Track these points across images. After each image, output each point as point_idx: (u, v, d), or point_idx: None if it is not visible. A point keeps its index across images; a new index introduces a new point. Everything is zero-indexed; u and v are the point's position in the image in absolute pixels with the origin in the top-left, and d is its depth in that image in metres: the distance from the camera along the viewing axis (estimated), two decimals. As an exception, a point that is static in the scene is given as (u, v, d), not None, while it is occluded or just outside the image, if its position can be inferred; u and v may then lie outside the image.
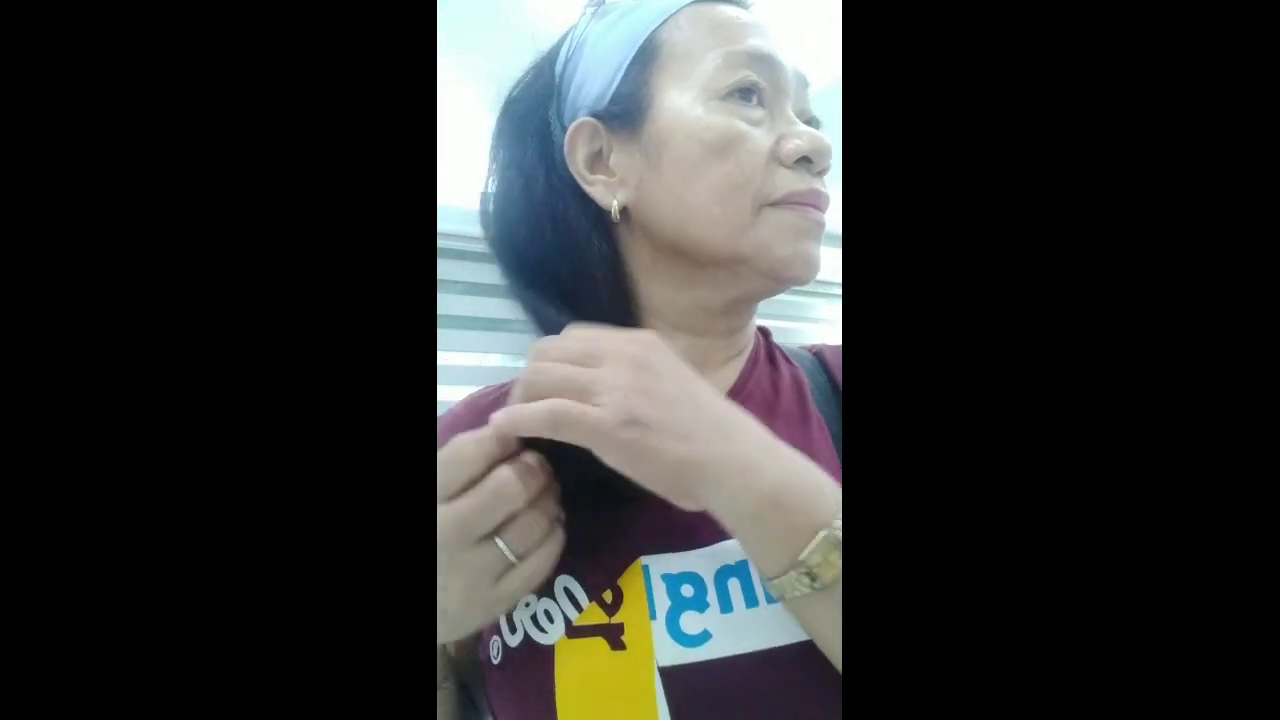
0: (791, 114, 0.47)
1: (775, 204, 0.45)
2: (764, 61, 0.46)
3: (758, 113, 0.46)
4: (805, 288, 0.48)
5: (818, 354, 0.55)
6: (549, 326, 0.52)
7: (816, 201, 0.46)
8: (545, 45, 0.53)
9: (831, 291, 1.84)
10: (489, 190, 0.53)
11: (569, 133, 0.48)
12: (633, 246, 0.50)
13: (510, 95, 0.52)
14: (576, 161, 0.48)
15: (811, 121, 0.49)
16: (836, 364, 0.53)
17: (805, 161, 0.46)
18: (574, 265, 0.50)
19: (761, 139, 0.45)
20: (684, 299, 0.49)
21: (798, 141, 0.45)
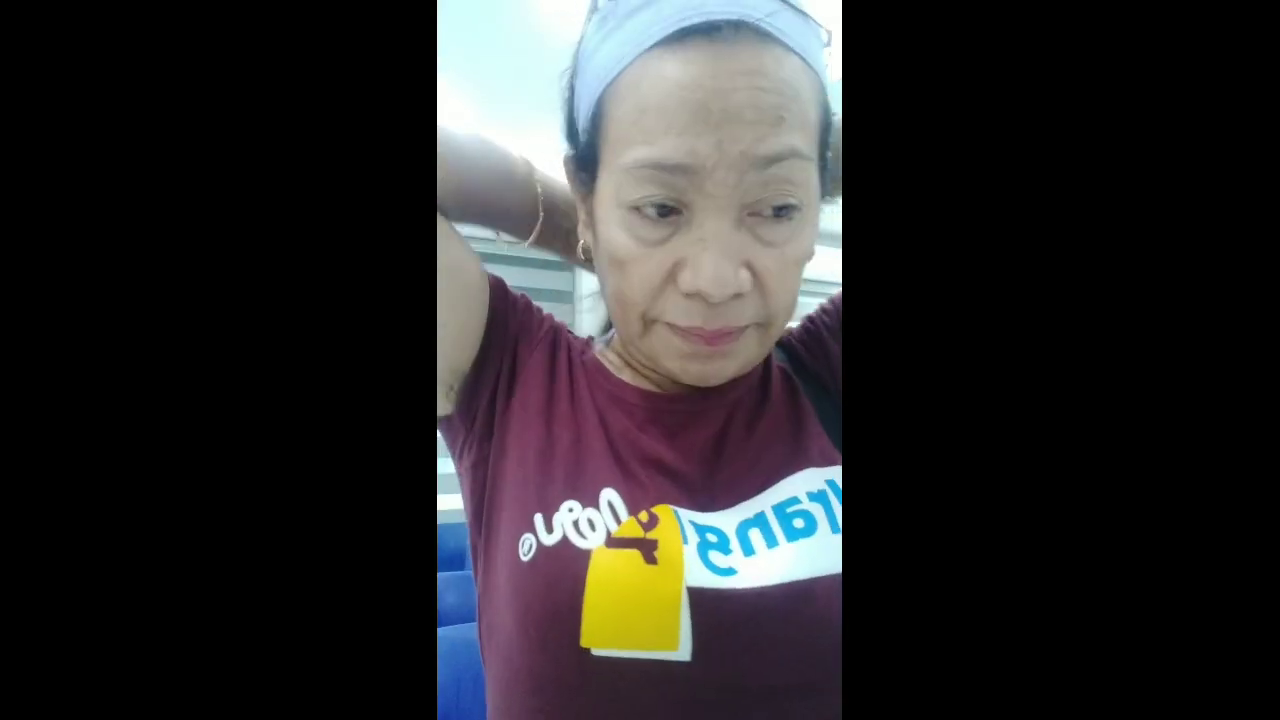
0: (717, 222, 0.39)
1: (668, 324, 0.43)
2: (679, 171, 0.38)
3: (665, 229, 0.40)
4: (803, 288, 0.47)
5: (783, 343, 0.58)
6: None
7: (704, 334, 0.42)
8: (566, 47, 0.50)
9: (830, 292, 1.84)
10: None
11: (561, 160, 0.49)
12: None
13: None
14: (571, 186, 0.49)
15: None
16: (800, 339, 0.57)
17: (699, 294, 0.40)
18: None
19: (658, 265, 0.41)
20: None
21: (688, 277, 0.40)
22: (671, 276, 0.41)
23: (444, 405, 0.51)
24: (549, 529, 0.44)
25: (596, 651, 0.40)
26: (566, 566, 0.42)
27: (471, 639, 1.45)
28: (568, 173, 0.48)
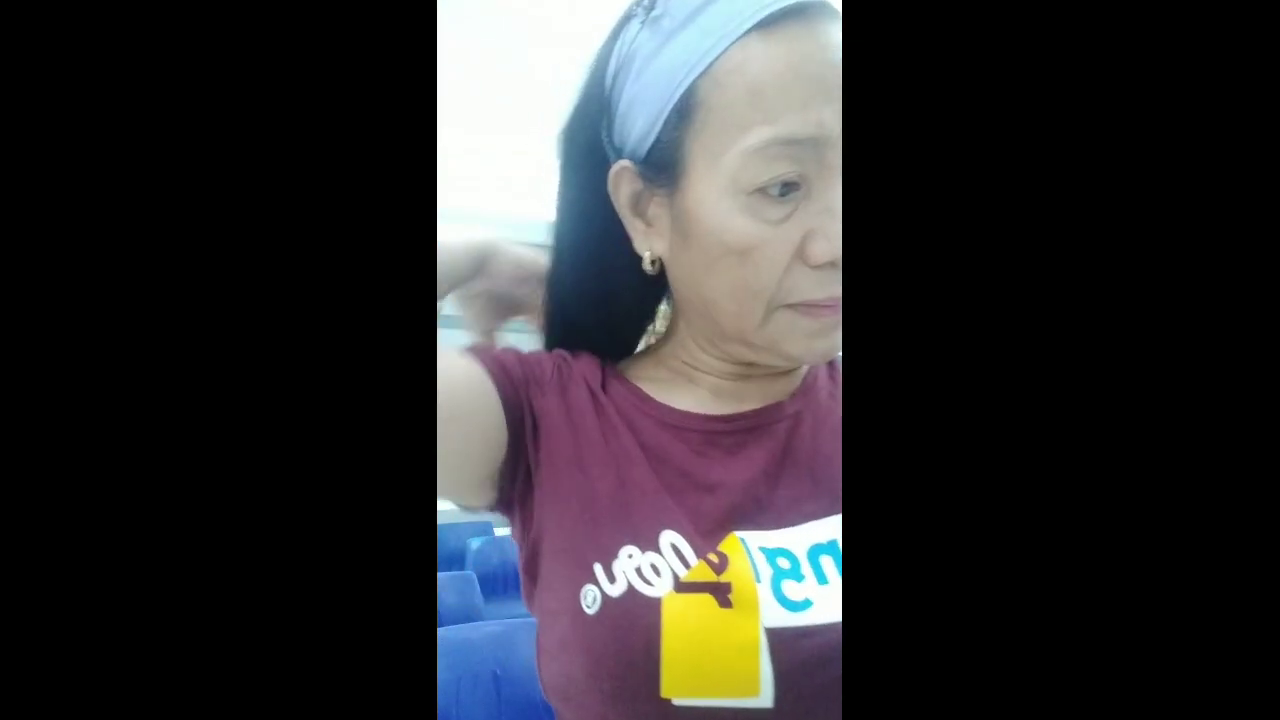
0: (836, 191, 0.41)
1: (791, 306, 0.43)
2: (808, 145, 0.39)
3: (786, 207, 0.41)
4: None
5: None
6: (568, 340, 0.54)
7: (834, 303, 0.43)
8: (588, 54, 0.49)
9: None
10: (554, 218, 0.53)
11: (611, 174, 0.46)
12: (674, 293, 0.50)
13: (564, 127, 0.50)
14: (619, 200, 0.47)
15: None
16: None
17: (831, 263, 0.41)
18: (617, 305, 0.51)
19: (785, 241, 0.41)
20: (717, 352, 0.49)
21: (825, 245, 0.41)
22: (799, 253, 0.41)
23: (488, 495, 0.50)
24: (611, 578, 0.42)
25: (678, 701, 0.39)
26: (637, 617, 0.40)
27: (471, 639, 1.46)
28: (623, 181, 0.46)
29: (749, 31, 0.39)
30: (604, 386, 0.51)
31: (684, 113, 0.42)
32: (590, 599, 0.42)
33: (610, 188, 0.47)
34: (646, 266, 0.47)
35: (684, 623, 0.40)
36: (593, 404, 0.49)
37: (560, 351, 0.52)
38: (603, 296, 0.52)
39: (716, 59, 0.40)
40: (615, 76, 0.45)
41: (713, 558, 0.42)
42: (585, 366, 0.52)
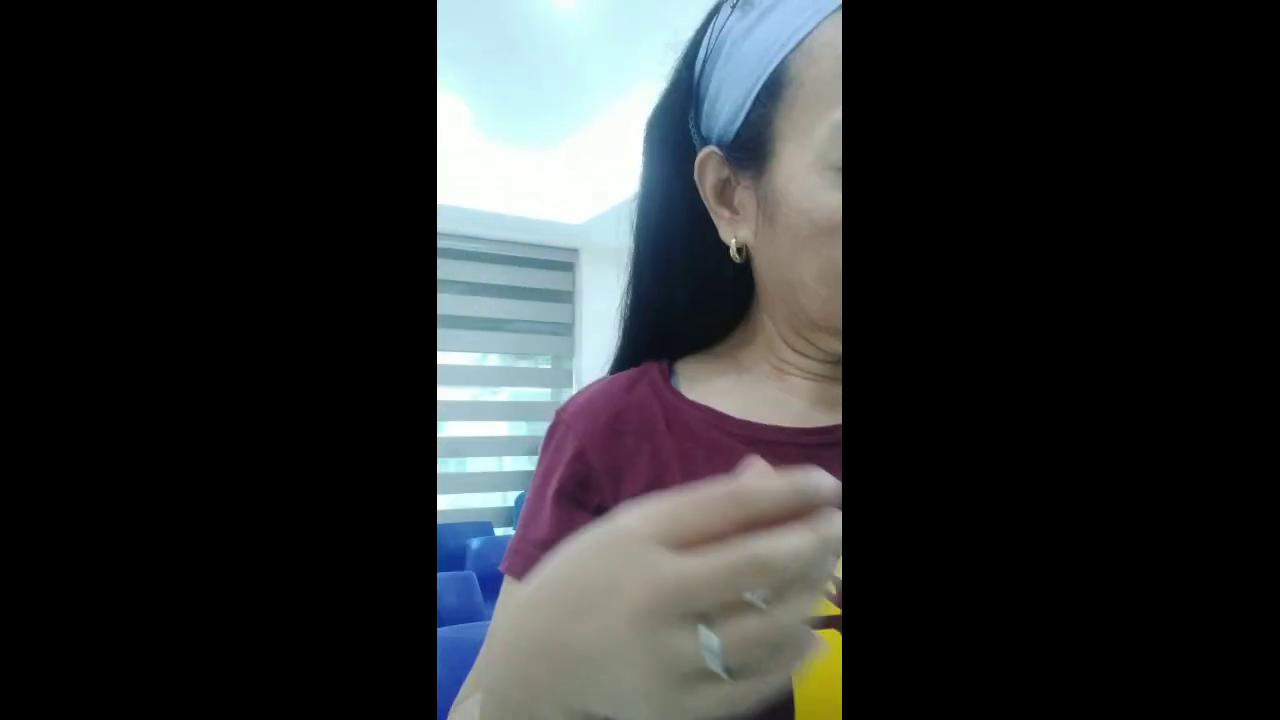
0: None
1: None
2: None
3: None
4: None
5: None
6: (629, 356, 0.51)
7: None
8: (681, 41, 0.48)
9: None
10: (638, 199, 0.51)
11: (697, 160, 0.45)
12: (760, 284, 0.48)
13: (650, 117, 0.49)
14: (705, 188, 0.46)
15: None
16: None
17: None
18: (698, 300, 0.49)
19: None
20: (805, 346, 0.47)
21: None
22: None
23: None
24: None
25: None
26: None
27: (471, 639, 1.46)
28: (708, 169, 0.45)
29: (843, 7, 0.38)
30: (652, 420, 0.46)
31: (774, 90, 0.41)
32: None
33: (696, 175, 0.45)
34: (733, 255, 0.45)
35: (817, 666, 0.35)
36: (649, 450, 0.45)
37: (571, 415, 0.47)
38: (687, 294, 0.49)
39: (809, 34, 0.40)
40: (705, 62, 0.45)
41: (830, 588, 0.38)
42: (619, 402, 0.47)
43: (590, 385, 0.51)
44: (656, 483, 0.43)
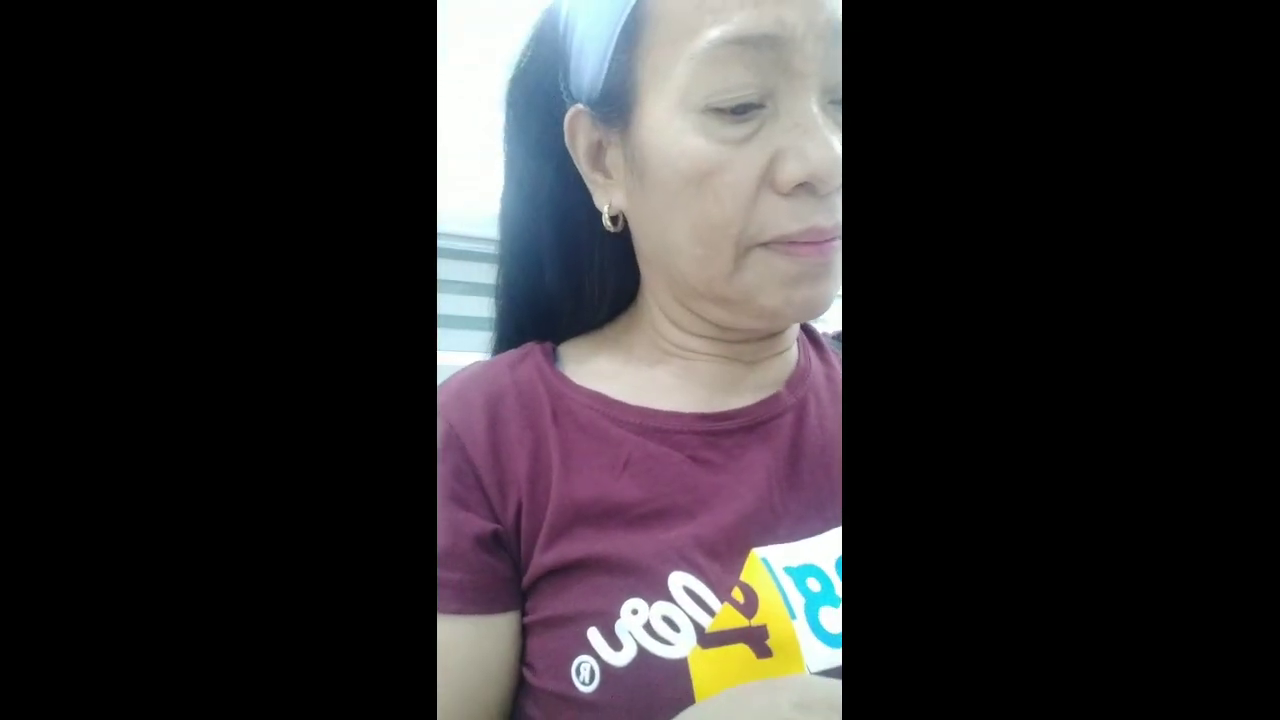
0: (806, 104, 0.35)
1: (766, 244, 0.37)
2: (765, 44, 0.33)
3: (747, 126, 0.35)
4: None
5: (836, 336, 0.52)
6: (511, 340, 0.47)
7: (816, 239, 0.36)
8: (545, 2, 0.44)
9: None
10: (501, 190, 0.47)
11: (566, 120, 0.41)
12: (639, 255, 0.44)
13: (512, 74, 0.45)
14: (578, 152, 0.42)
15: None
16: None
17: (806, 187, 0.36)
18: (574, 274, 0.45)
19: (748, 164, 0.35)
20: (692, 322, 0.43)
21: (794, 166, 0.35)
22: (767, 178, 0.35)
23: None
24: (614, 644, 0.34)
25: None
26: (659, 686, 0.33)
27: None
28: (578, 130, 0.41)
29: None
30: (537, 405, 0.42)
31: (631, 33, 0.37)
32: (586, 674, 0.34)
33: (567, 139, 0.42)
34: (606, 223, 0.42)
35: (720, 685, 0.32)
36: (529, 436, 0.41)
37: (450, 425, 0.42)
38: (560, 267, 0.46)
39: None
40: (568, 19, 0.41)
41: (738, 596, 0.35)
42: (493, 388, 0.43)
43: (467, 367, 0.47)
44: (537, 478, 0.40)
